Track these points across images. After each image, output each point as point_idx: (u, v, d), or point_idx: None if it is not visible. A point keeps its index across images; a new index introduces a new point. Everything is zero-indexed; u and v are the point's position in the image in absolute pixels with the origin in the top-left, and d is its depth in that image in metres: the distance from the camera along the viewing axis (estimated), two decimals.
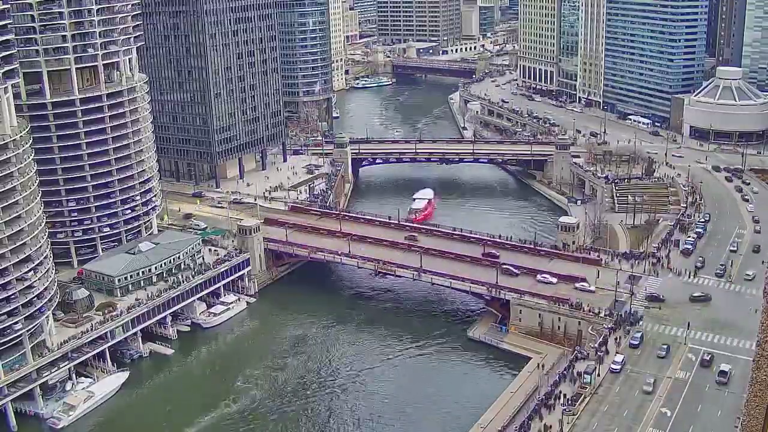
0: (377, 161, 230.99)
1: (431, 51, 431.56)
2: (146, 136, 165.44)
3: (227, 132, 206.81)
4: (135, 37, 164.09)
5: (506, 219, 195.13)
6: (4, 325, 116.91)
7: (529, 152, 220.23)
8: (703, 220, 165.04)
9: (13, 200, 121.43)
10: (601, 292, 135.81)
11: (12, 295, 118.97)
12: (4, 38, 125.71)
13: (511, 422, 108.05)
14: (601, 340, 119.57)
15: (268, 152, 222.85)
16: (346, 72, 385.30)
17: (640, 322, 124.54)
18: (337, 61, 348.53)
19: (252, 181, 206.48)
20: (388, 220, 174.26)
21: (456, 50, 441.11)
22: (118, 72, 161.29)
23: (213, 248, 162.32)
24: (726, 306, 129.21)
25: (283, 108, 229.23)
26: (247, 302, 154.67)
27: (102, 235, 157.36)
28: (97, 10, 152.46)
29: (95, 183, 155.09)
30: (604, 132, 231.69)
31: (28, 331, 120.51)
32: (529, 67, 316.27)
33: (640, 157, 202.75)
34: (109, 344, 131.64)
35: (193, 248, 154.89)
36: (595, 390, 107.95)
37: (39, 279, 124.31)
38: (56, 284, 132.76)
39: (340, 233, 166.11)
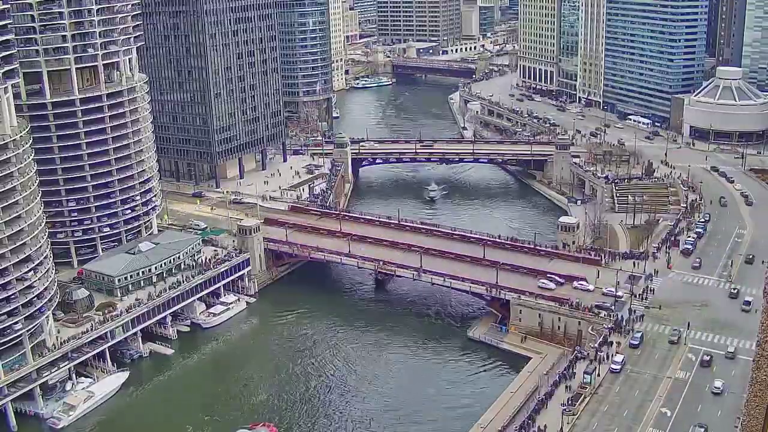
0: (377, 161, 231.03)
1: (431, 51, 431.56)
2: (146, 136, 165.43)
3: (227, 132, 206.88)
4: (135, 37, 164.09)
5: (506, 219, 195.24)
6: (4, 325, 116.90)
7: (529, 152, 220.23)
8: (703, 220, 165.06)
9: (13, 200, 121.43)
10: (600, 292, 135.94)
11: (12, 295, 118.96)
12: (4, 38, 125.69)
13: (511, 422, 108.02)
14: (601, 340, 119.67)
15: (267, 152, 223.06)
16: (346, 72, 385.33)
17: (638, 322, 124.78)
18: (337, 61, 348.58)
19: (252, 181, 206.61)
20: (388, 220, 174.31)
21: (456, 50, 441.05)
22: (118, 72, 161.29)
23: (213, 248, 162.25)
24: (726, 306, 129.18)
25: (283, 108, 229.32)
26: (247, 302, 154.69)
27: (102, 235, 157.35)
28: (97, 10, 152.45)
29: (95, 183, 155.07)
30: (605, 132, 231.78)
31: (28, 331, 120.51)
32: (529, 67, 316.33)
33: (640, 157, 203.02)
34: (109, 344, 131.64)
35: (193, 248, 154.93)
36: (595, 390, 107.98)
37: (39, 279, 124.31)
38: (56, 284, 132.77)
39: (340, 233, 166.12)
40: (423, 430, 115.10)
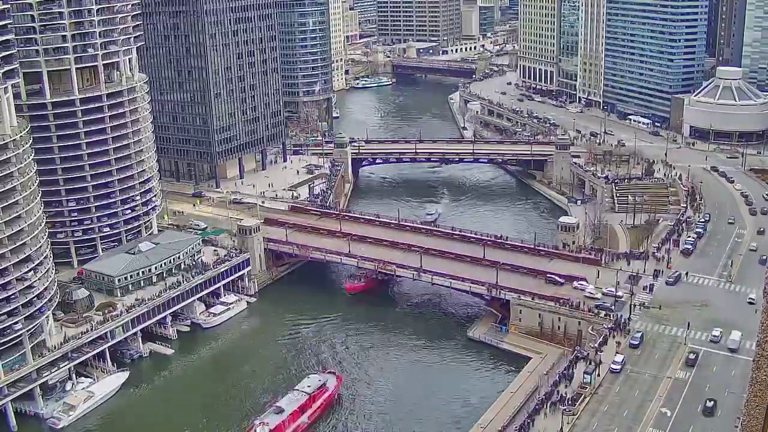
0: (377, 161, 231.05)
1: (431, 51, 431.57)
2: (146, 136, 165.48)
3: (227, 132, 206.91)
4: (135, 37, 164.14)
5: (506, 219, 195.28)
6: (4, 325, 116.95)
7: (529, 152, 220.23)
8: (703, 220, 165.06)
9: (13, 200, 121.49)
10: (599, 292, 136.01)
11: (12, 295, 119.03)
12: (4, 38, 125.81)
13: (511, 422, 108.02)
14: (601, 340, 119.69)
15: (267, 153, 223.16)
16: (346, 72, 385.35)
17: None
18: (337, 61, 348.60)
19: (252, 181, 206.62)
20: (388, 220, 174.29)
21: (456, 50, 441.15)
22: (118, 72, 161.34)
23: (213, 248, 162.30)
24: (726, 306, 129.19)
25: (283, 108, 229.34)
26: (247, 302, 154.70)
27: (102, 235, 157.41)
28: (97, 10, 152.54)
29: (95, 183, 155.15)
30: (605, 132, 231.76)
31: (28, 331, 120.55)
32: (529, 67, 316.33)
33: (640, 157, 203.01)
34: (109, 344, 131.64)
35: (193, 248, 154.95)
36: (595, 390, 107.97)
37: (39, 279, 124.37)
38: (56, 284, 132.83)
39: (340, 233, 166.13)
40: (423, 430, 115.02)
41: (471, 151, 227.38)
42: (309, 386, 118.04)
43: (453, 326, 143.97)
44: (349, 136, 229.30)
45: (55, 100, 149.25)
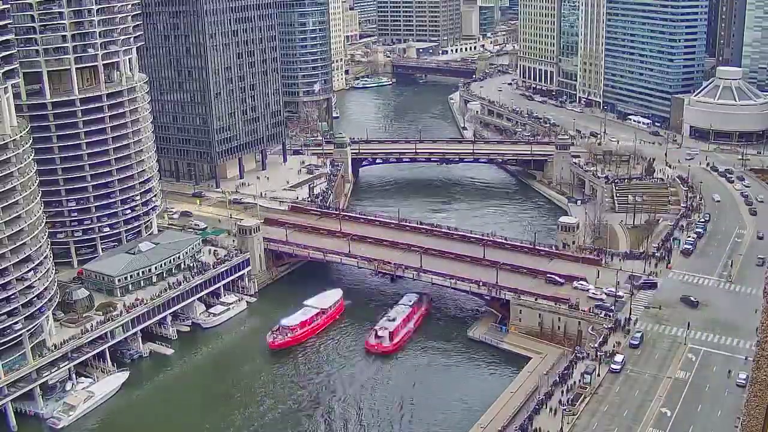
0: (377, 161, 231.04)
1: (431, 51, 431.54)
2: (146, 136, 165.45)
3: (227, 132, 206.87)
4: (135, 37, 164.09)
5: (506, 219, 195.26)
6: (4, 325, 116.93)
7: (529, 152, 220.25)
8: (703, 220, 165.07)
9: (13, 200, 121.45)
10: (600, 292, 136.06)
11: (12, 295, 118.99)
12: (4, 38, 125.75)
13: (511, 422, 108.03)
14: (601, 340, 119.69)
15: (267, 153, 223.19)
16: (346, 72, 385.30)
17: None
18: (337, 61, 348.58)
19: (252, 181, 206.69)
20: (388, 220, 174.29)
21: (456, 50, 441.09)
22: (118, 72, 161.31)
23: (213, 248, 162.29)
24: (726, 306, 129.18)
25: (283, 108, 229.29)
26: (247, 302, 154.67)
27: (102, 235, 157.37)
28: (97, 10, 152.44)
29: (95, 183, 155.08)
30: (605, 132, 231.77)
31: (28, 331, 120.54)
32: (529, 67, 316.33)
33: (640, 157, 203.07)
34: (109, 344, 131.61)
35: (193, 248, 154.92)
36: (595, 390, 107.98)
37: (39, 279, 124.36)
38: (56, 284, 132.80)
39: (340, 233, 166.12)
40: (423, 430, 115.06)
41: (471, 151, 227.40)
42: (410, 301, 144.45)
43: (453, 326, 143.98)
44: (349, 136, 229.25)
45: (55, 100, 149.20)
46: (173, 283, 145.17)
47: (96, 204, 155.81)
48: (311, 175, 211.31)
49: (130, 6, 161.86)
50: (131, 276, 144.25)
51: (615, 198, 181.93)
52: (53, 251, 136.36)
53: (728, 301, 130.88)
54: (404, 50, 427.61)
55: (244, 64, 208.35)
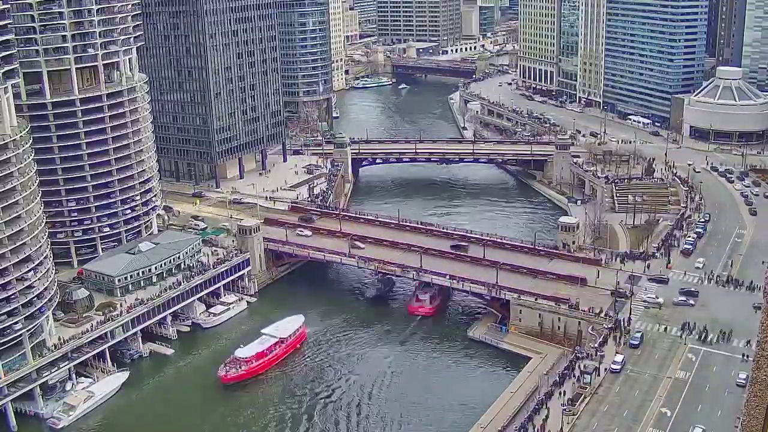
0: (377, 161, 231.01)
1: (431, 51, 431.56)
2: (146, 136, 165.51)
3: (227, 132, 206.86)
4: (135, 37, 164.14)
5: (506, 219, 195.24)
6: (4, 325, 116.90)
7: (529, 152, 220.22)
8: (703, 220, 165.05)
9: (13, 200, 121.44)
10: (600, 292, 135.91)
11: (12, 295, 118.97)
12: (4, 38, 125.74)
13: (511, 422, 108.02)
14: (601, 339, 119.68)
15: (267, 152, 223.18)
16: (346, 72, 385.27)
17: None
18: (337, 61, 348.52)
19: (252, 181, 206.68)
20: (388, 220, 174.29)
21: (456, 50, 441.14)
22: (118, 72, 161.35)
23: (213, 248, 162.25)
24: (726, 306, 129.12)
25: (283, 108, 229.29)
26: (247, 302, 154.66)
27: (102, 235, 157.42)
28: (97, 10, 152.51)
29: (95, 183, 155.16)
30: (605, 132, 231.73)
31: (28, 331, 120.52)
32: (529, 67, 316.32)
33: (640, 157, 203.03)
34: (109, 344, 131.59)
35: (193, 248, 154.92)
36: (595, 390, 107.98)
37: (39, 279, 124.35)
38: (56, 284, 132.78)
39: (340, 233, 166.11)
40: (423, 429, 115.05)
41: (471, 151, 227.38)
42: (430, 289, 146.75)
43: (453, 326, 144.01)
44: (349, 136, 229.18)
45: (55, 100, 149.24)
46: (173, 283, 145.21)
47: (96, 204, 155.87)
48: (311, 175, 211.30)
49: (130, 6, 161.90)
50: (131, 276, 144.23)
51: (615, 198, 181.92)
52: (53, 251, 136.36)
53: (728, 301, 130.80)
54: (404, 50, 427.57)
55: (244, 64, 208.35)
